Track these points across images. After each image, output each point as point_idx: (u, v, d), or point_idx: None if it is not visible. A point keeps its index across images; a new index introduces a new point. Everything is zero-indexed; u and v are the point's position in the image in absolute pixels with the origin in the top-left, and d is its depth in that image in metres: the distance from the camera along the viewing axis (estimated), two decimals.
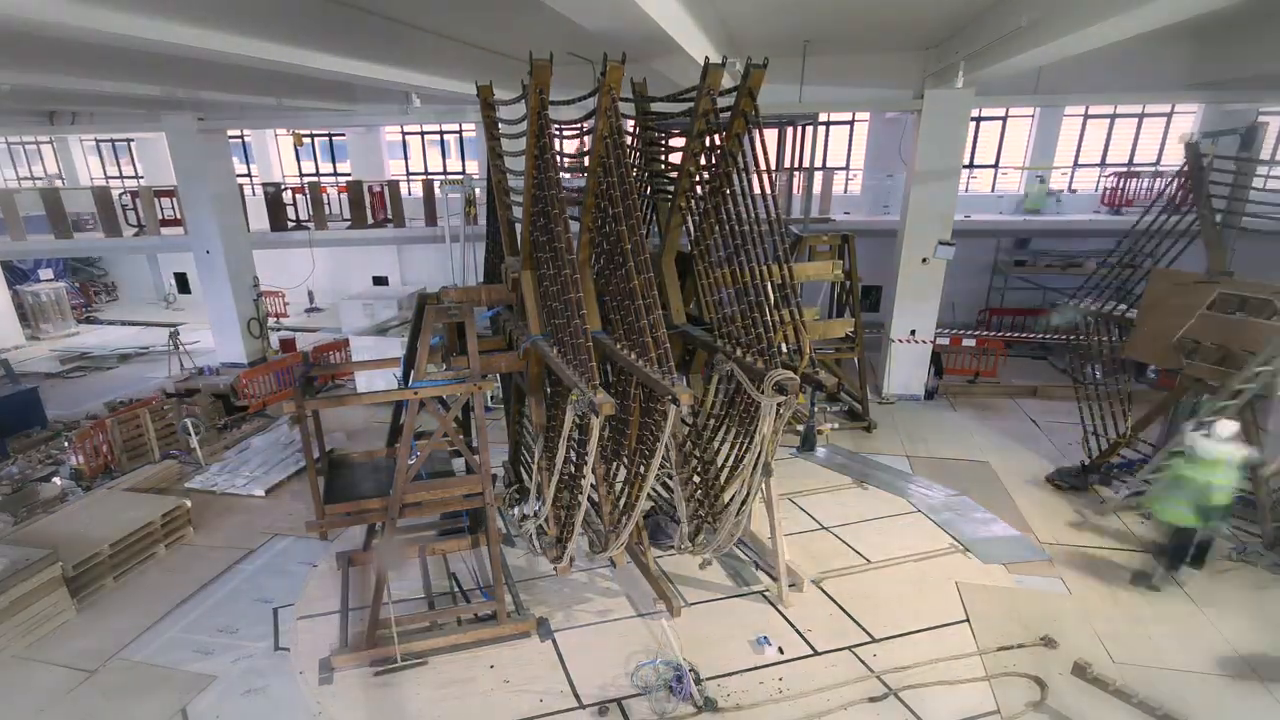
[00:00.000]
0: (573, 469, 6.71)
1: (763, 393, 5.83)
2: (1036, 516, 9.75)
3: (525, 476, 8.92)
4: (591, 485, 6.38)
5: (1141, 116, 18.24)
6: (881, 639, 7.37)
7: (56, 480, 10.89)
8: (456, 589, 8.32)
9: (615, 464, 7.61)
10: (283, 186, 19.04)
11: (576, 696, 6.65)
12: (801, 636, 7.42)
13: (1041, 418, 13.21)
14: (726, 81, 6.75)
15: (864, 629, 7.52)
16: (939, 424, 13.14)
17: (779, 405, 5.83)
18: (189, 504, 9.77)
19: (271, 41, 7.95)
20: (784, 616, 7.72)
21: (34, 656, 7.37)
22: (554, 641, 7.39)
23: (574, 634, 7.51)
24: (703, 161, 7.03)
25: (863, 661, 7.06)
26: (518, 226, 7.84)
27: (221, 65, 9.40)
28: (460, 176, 16.95)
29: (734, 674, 6.89)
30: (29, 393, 13.39)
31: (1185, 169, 10.00)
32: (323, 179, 22.42)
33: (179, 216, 18.10)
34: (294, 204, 19.06)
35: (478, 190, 15.49)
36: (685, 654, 6.86)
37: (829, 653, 7.19)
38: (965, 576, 8.41)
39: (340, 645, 7.28)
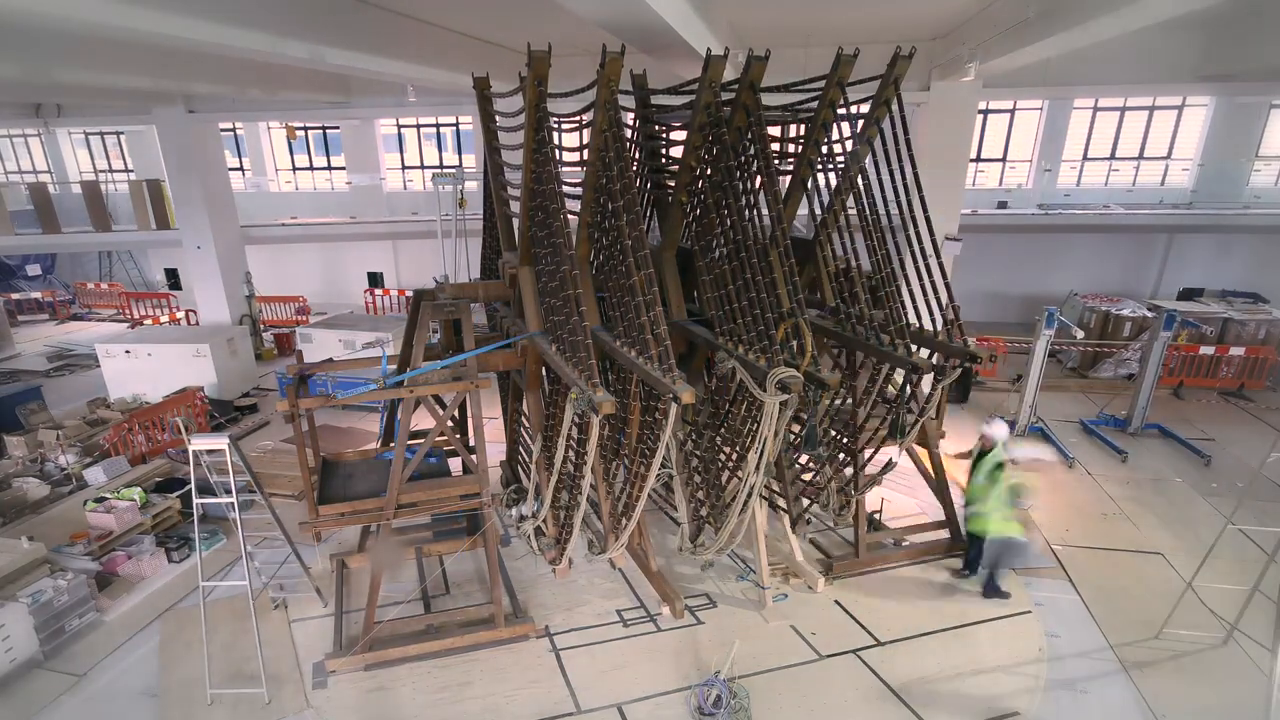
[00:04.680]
0: (572, 469, 6.57)
1: (766, 391, 5.67)
2: (1041, 520, 9.61)
3: (523, 476, 8.78)
4: (591, 485, 6.24)
5: (1152, 109, 18.00)
6: (887, 643, 7.25)
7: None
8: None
9: (615, 463, 7.48)
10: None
11: (575, 701, 6.52)
12: (805, 640, 7.29)
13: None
14: (729, 74, 6.58)
15: (869, 633, 7.40)
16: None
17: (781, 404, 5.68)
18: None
19: (268, 34, 7.77)
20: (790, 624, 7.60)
21: None
22: (553, 645, 7.26)
23: (573, 637, 7.37)
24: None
25: (868, 665, 6.94)
26: (515, 221, 7.68)
27: (215, 57, 9.21)
28: (453, 169, 16.66)
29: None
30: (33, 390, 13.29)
31: None
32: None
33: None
34: None
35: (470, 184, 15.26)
36: (685, 656, 6.71)
37: (832, 656, 7.06)
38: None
39: (335, 648, 7.14)
